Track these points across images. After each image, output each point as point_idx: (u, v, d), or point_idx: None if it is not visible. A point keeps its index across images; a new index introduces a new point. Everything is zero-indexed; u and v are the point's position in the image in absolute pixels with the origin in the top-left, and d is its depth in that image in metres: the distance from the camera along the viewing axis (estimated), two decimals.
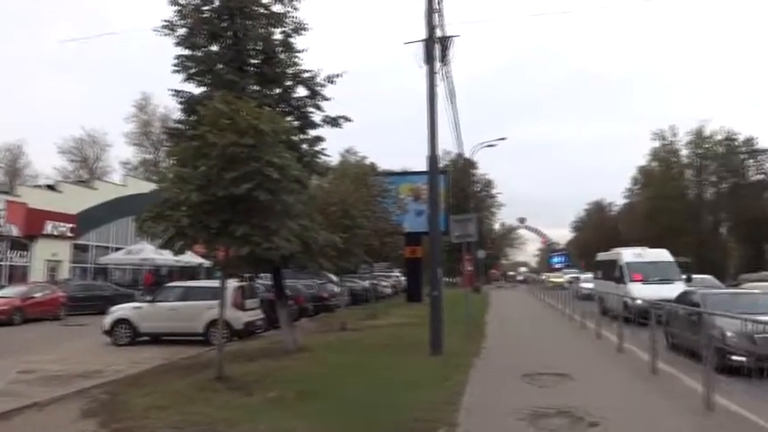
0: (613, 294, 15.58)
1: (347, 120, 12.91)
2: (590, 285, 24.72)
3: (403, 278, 38.20)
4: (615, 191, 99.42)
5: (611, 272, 20.82)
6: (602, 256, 24.64)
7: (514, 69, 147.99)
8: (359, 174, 23.86)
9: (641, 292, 15.91)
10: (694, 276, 20.96)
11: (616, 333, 12.05)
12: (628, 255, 20.58)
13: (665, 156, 60.39)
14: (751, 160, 56.17)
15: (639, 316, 11.14)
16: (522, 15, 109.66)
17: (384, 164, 42.49)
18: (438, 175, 13.13)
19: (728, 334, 8.61)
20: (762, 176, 55.33)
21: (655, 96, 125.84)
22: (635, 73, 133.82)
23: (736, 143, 56.53)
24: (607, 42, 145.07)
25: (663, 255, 20.55)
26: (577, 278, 45.00)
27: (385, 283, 36.48)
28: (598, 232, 78.96)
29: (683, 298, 12.18)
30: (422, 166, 12.64)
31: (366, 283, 30.70)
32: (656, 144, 60.62)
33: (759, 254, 49.79)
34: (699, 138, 57.72)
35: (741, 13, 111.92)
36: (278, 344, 12.44)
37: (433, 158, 12.13)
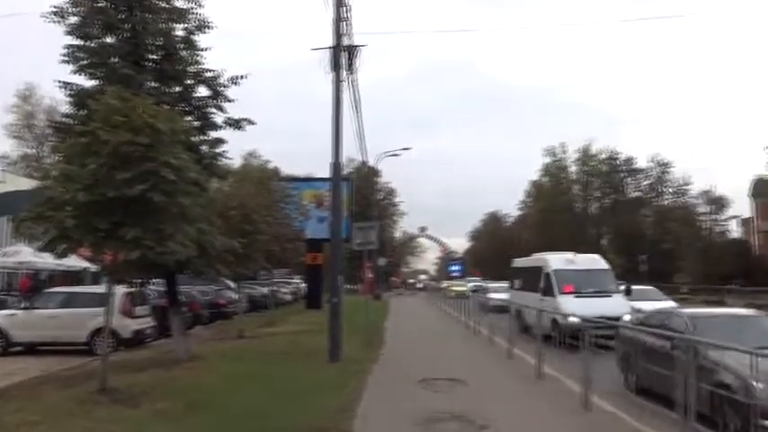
0: (536, 309, 11.71)
1: (250, 122, 12.64)
2: (502, 296, 20.93)
3: (303, 285, 37.87)
4: (511, 203, 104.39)
5: (534, 281, 17.06)
6: (520, 262, 20.83)
7: (420, 81, 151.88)
8: (261, 178, 23.40)
9: (575, 307, 12.98)
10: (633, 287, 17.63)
11: (535, 353, 10.04)
12: (556, 261, 16.86)
13: (555, 171, 64.34)
14: (630, 178, 61.03)
15: (570, 336, 9.22)
16: (429, 30, 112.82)
17: (289, 169, 42.05)
18: (341, 182, 13.18)
19: (759, 385, 5.37)
20: (639, 194, 60.25)
21: (551, 114, 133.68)
22: (537, 89, 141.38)
23: (618, 162, 61.24)
24: (511, 59, 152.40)
25: (597, 261, 17.12)
26: (481, 287, 45.57)
27: (285, 290, 35.96)
28: (493, 242, 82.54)
29: (653, 320, 9.15)
30: (326, 172, 12.61)
31: (265, 290, 30.11)
32: (548, 160, 64.52)
33: (634, 265, 54.07)
34: (586, 156, 62.05)
35: (636, 40, 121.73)
36: (169, 353, 11.90)
37: (336, 165, 12.16)
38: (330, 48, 11.86)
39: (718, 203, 48.82)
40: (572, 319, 10.72)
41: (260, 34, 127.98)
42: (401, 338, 16.11)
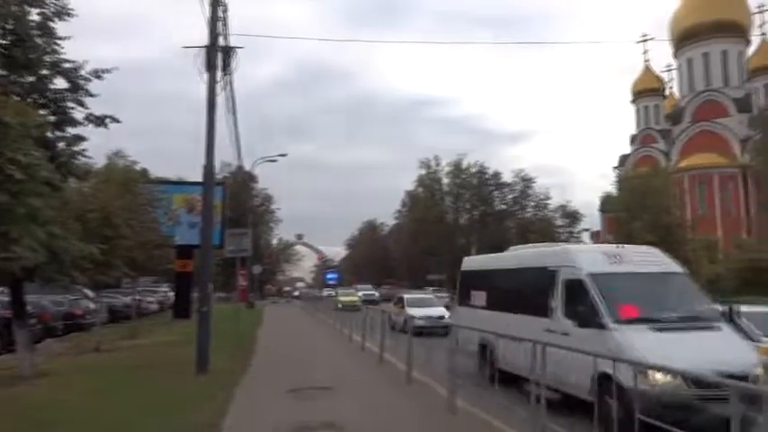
0: (570, 358, 6.27)
1: (115, 120, 11.84)
2: (431, 313, 19.04)
3: (172, 293, 35.99)
4: (388, 212, 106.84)
5: (531, 295, 9.48)
6: (486, 261, 12.90)
7: (299, 87, 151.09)
8: (126, 179, 21.93)
9: (662, 351, 6.50)
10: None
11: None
12: (591, 257, 8.93)
13: (429, 183, 66.81)
14: (497, 192, 64.94)
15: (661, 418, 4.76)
16: (312, 38, 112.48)
17: (159, 171, 39.82)
18: (214, 186, 12.72)
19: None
20: (504, 207, 64.26)
21: (428, 126, 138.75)
22: (415, 103, 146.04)
23: (487, 176, 64.96)
24: (392, 71, 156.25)
25: (660, 258, 9.21)
26: (374, 297, 43.29)
27: (150, 299, 33.93)
28: (369, 250, 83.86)
29: None
30: (200, 175, 12.10)
31: (128, 299, 28.23)
32: (423, 171, 66.90)
33: None
34: (457, 169, 65.13)
35: (509, 61, 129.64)
36: (12, 369, 10.76)
37: (209, 169, 11.72)
38: (204, 47, 11.44)
39: (573, 217, 53.35)
40: (662, 380, 6.34)
41: (131, 27, 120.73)
42: (273, 348, 15.81)
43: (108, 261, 13.09)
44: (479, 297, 11.60)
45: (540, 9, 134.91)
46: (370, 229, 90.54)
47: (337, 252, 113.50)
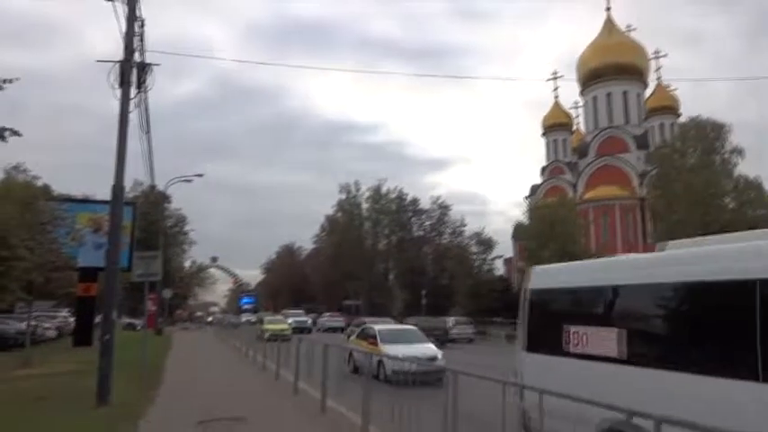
0: None
1: (15, 133, 11.03)
2: (424, 353, 14.35)
3: (72, 319, 33.71)
4: (307, 235, 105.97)
5: (737, 340, 4.76)
6: (611, 268, 6.76)
7: (219, 106, 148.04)
8: (26, 196, 20.50)
9: None
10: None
11: None
12: None
13: (349, 207, 67.01)
14: (415, 218, 66.10)
15: None
16: (232, 59, 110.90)
17: (64, 188, 37.55)
18: (123, 205, 12.14)
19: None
20: (422, 233, 65.42)
21: (349, 151, 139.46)
22: (338, 128, 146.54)
23: (406, 202, 66.04)
24: (316, 94, 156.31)
25: None
26: (306, 325, 39.32)
27: (48, 325, 31.57)
28: (286, 274, 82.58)
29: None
30: (109, 194, 11.51)
31: (22, 325, 26.15)
32: (343, 196, 67.05)
33: (417, 299, 58.15)
34: (377, 194, 65.83)
35: (431, 93, 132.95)
36: None
37: (118, 187, 11.19)
38: (119, 62, 11.01)
39: (487, 244, 54.98)
40: None
41: (41, 34, 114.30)
42: (182, 378, 15.12)
43: (2, 284, 12.13)
44: (583, 338, 6.39)
45: (461, 43, 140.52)
46: (289, 252, 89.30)
47: (254, 276, 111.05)
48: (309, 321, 44.55)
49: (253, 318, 55.90)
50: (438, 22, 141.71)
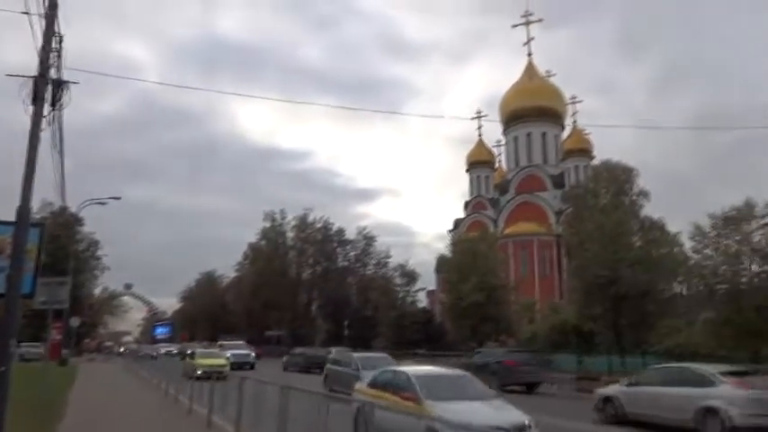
0: None
1: None
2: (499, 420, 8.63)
3: None
4: (228, 263, 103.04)
5: None
6: None
7: (142, 128, 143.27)
8: None
9: None
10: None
11: None
12: None
13: (273, 236, 65.97)
14: (340, 248, 65.92)
15: None
16: (151, 81, 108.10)
17: None
18: (28, 228, 11.40)
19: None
20: (347, 263, 65.25)
21: (276, 179, 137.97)
22: (264, 154, 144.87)
23: (331, 232, 65.82)
24: (242, 119, 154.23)
25: None
26: (249, 359, 33.08)
27: None
28: (206, 303, 79.77)
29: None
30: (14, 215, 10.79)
31: None
32: (267, 224, 65.97)
33: (340, 330, 57.71)
34: (303, 223, 65.29)
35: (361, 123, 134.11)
36: None
37: (24, 208, 10.50)
38: (32, 77, 10.47)
39: (410, 276, 55.60)
40: None
41: None
42: (85, 412, 14.18)
43: None
44: None
45: (390, 77, 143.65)
46: (209, 280, 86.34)
47: (171, 304, 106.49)
48: (253, 356, 35.95)
49: (173, 348, 51.69)
50: (368, 55, 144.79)
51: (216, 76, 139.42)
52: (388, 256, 62.28)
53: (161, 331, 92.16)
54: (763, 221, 26.36)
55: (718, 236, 27.23)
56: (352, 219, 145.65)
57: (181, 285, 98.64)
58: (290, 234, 66.48)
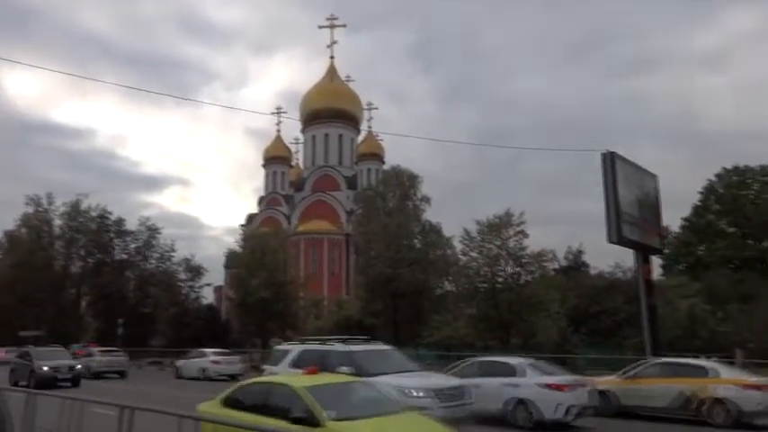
0: None
1: None
2: None
3: None
4: None
5: None
6: None
7: None
8: None
9: None
10: None
11: None
12: None
13: (37, 223, 57.86)
14: (118, 240, 60.21)
15: None
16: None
17: None
18: None
19: None
20: (126, 256, 59.85)
21: (44, 158, 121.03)
22: (30, 127, 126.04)
23: (109, 222, 59.76)
24: (8, 82, 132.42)
25: None
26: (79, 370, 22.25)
27: None
28: None
29: None
30: None
31: None
32: (30, 210, 57.69)
33: (113, 328, 52.73)
34: (75, 211, 58.14)
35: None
36: None
37: None
38: None
39: (196, 271, 53.07)
40: None
41: None
42: None
43: None
44: None
45: (184, 57, 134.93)
46: None
47: None
48: (79, 366, 24.10)
49: None
50: (164, 31, 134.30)
51: None
52: (173, 250, 58.41)
53: None
54: (518, 229, 30.35)
55: (483, 240, 30.71)
56: (136, 208, 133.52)
57: None
58: (59, 222, 58.91)
